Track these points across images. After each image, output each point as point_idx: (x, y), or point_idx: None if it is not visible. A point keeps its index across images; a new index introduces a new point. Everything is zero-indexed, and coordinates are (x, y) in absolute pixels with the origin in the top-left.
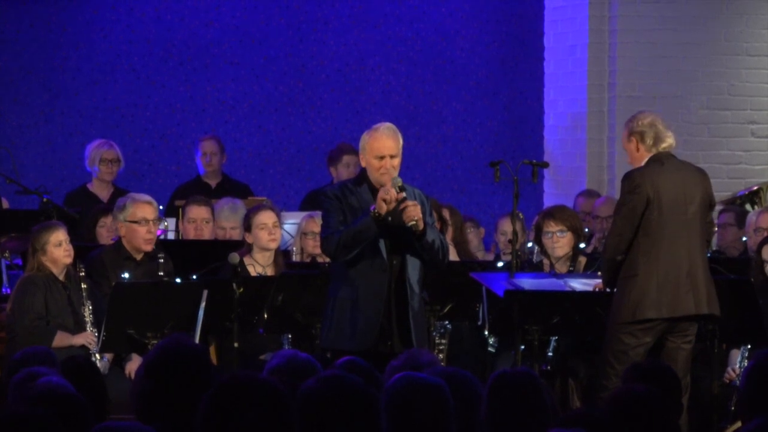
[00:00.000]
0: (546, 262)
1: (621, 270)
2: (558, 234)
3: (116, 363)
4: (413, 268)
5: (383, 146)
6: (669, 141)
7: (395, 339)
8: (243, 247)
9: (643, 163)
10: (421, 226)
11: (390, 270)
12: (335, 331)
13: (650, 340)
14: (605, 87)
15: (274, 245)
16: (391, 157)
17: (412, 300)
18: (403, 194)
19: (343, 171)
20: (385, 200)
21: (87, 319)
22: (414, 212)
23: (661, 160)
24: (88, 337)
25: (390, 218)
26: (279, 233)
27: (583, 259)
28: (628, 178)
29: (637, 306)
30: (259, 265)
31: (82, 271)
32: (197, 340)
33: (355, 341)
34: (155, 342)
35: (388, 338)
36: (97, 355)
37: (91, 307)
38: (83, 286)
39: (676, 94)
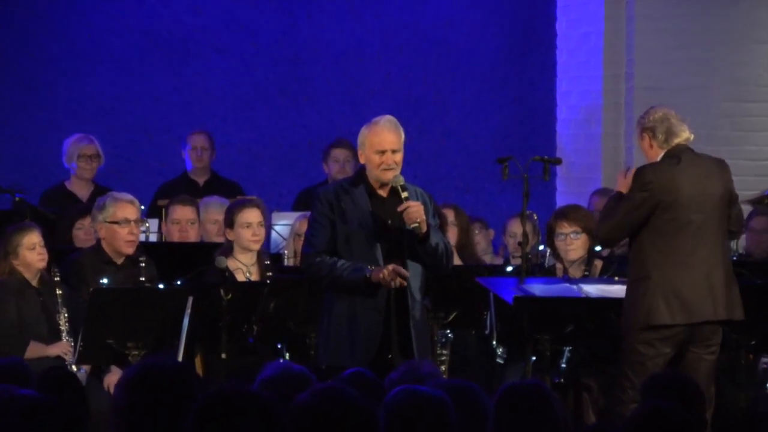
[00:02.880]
0: (559, 266)
1: (632, 271)
2: (572, 236)
3: (94, 375)
4: (414, 274)
5: (384, 140)
6: (684, 135)
7: (395, 351)
8: (223, 246)
9: (658, 160)
10: (424, 228)
11: None
12: (333, 347)
13: (669, 351)
14: (622, 77)
15: (256, 246)
16: (393, 151)
17: (413, 309)
18: (406, 194)
19: (333, 166)
20: (384, 280)
21: (62, 328)
22: (417, 213)
23: (677, 155)
24: (64, 348)
25: (390, 221)
26: (263, 233)
27: (598, 263)
28: (640, 173)
29: (650, 310)
30: (243, 265)
31: (57, 276)
32: (182, 351)
33: (354, 357)
34: (136, 353)
35: (387, 351)
36: (74, 367)
37: (66, 315)
38: (58, 291)
39: (697, 85)
